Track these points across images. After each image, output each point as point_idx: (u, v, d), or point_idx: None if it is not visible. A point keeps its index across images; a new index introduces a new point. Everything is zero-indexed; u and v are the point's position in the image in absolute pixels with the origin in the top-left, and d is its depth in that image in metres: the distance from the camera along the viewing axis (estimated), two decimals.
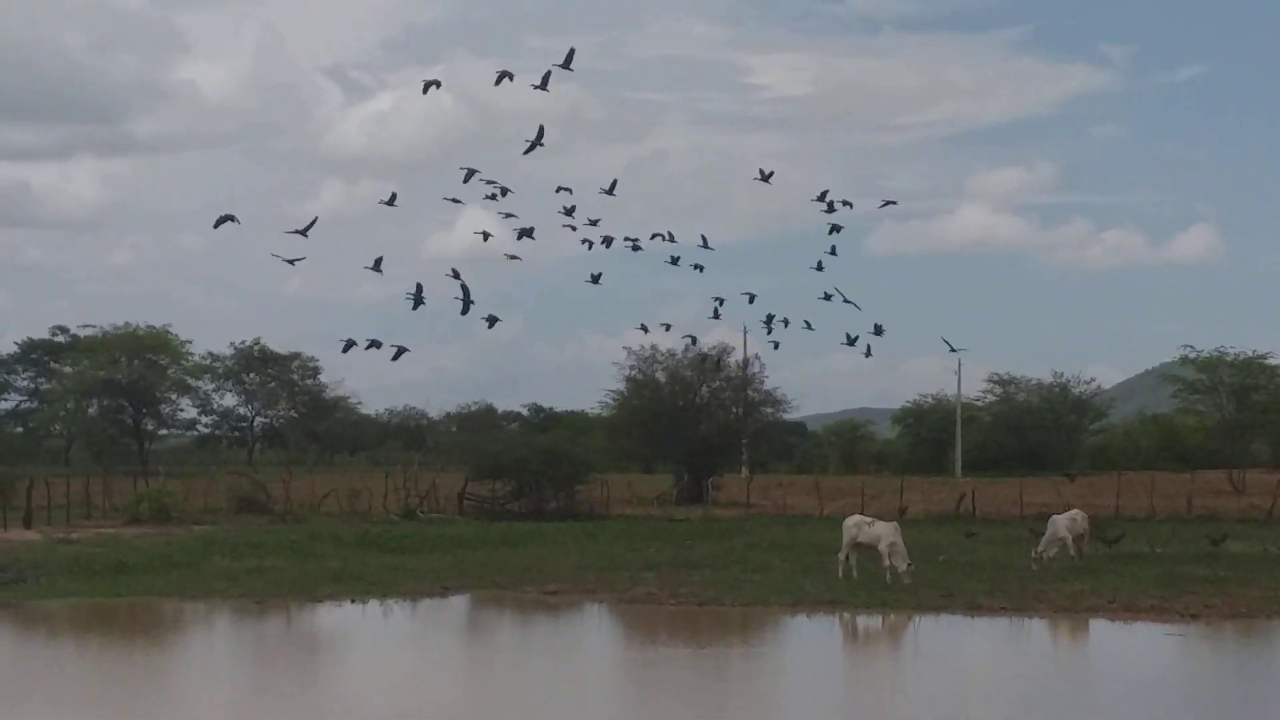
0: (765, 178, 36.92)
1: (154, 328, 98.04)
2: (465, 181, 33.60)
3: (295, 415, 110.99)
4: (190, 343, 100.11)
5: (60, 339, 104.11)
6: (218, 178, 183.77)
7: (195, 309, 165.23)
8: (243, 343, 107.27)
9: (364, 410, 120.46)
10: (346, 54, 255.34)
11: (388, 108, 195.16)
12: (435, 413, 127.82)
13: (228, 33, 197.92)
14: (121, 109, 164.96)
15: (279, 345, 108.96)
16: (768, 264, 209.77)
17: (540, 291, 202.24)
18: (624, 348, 75.23)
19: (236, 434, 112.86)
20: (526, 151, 32.38)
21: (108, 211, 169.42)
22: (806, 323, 38.24)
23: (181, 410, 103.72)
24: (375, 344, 32.83)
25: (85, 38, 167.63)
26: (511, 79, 31.55)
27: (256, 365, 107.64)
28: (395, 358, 32.86)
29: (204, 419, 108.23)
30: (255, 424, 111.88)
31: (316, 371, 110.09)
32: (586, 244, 35.74)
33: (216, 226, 31.05)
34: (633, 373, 73.63)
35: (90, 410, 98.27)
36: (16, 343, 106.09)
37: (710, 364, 71.47)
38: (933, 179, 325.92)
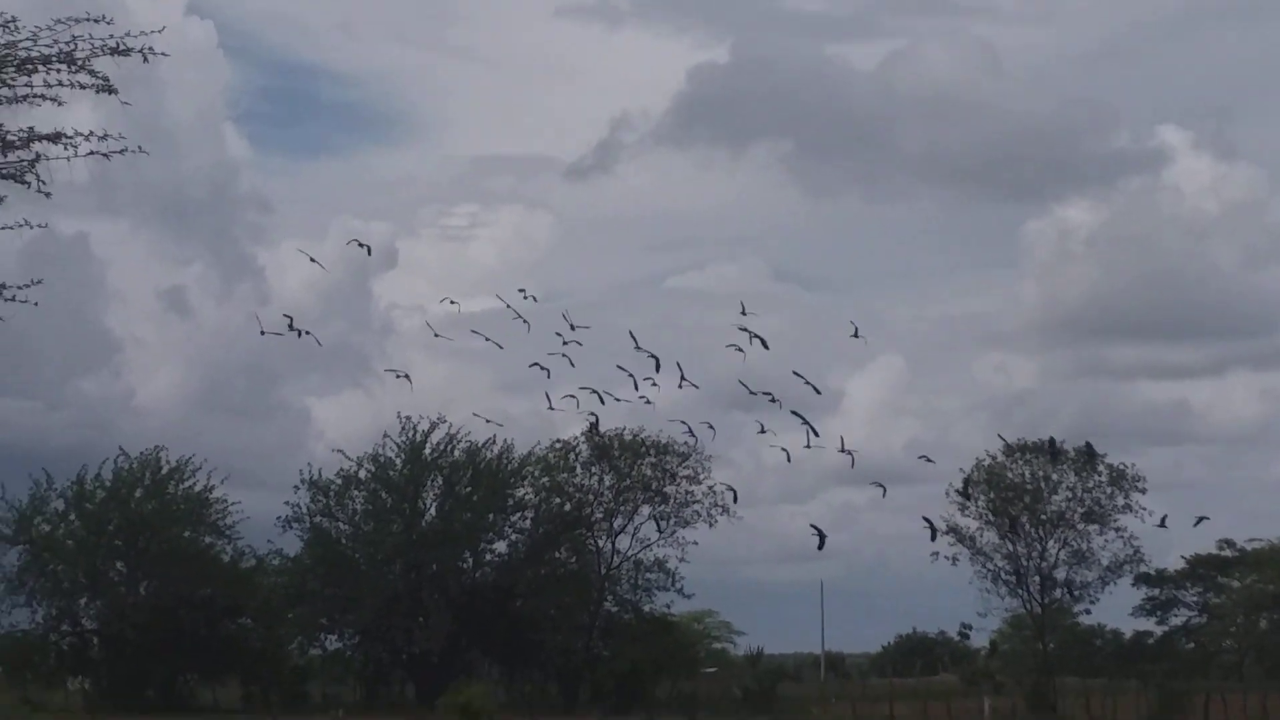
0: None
1: None
2: None
3: None
4: None
5: (1227, 553, 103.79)
6: None
7: None
8: None
9: None
10: None
11: None
12: None
13: None
14: (1275, 322, 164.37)
15: None
16: None
17: None
18: None
19: None
20: None
21: (1267, 425, 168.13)
22: None
23: None
24: None
25: (1235, 253, 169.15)
26: None
27: None
28: None
29: None
30: None
31: None
32: None
33: None
34: None
35: (1261, 625, 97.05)
36: (1184, 558, 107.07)
37: None
38: None
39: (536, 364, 47.02)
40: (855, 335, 47.65)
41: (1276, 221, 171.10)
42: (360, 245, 53.13)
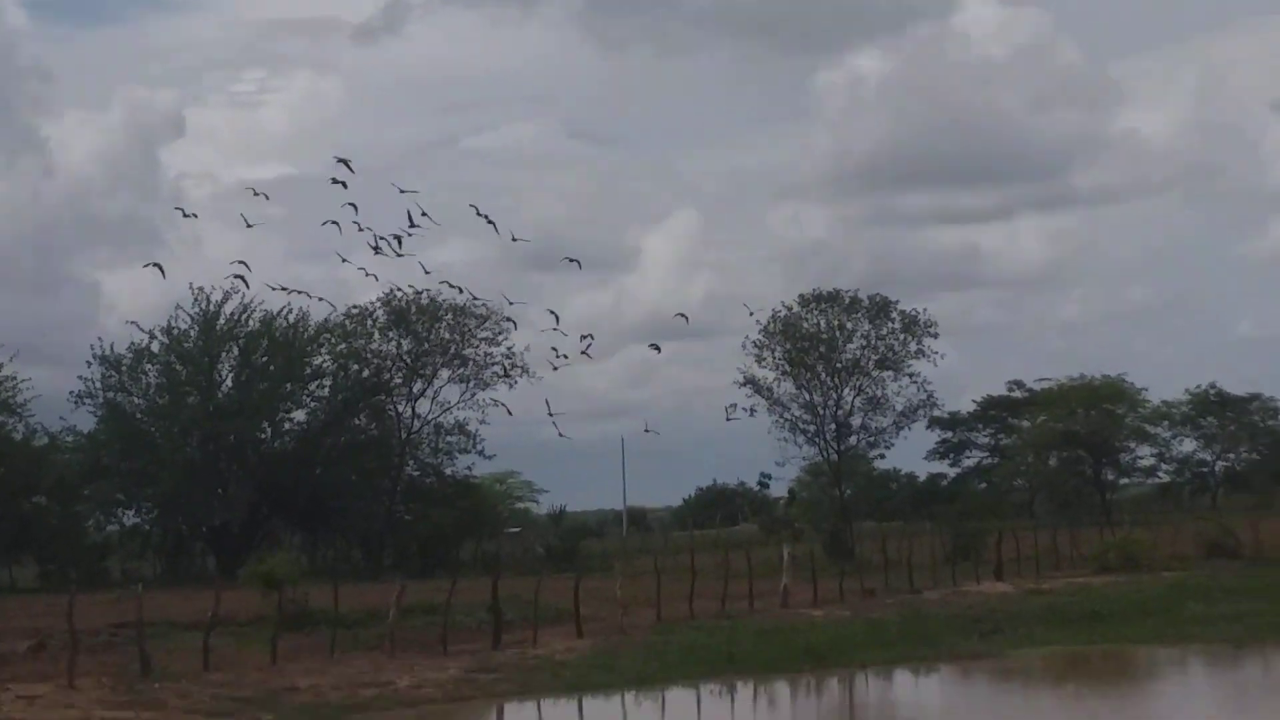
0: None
1: (1109, 377, 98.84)
2: None
3: (1257, 457, 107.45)
4: (1145, 390, 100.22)
5: (1017, 394, 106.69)
6: (1159, 224, 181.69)
7: (1147, 357, 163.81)
8: (1198, 387, 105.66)
9: None
10: None
11: None
12: None
13: (1165, 78, 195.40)
14: (1062, 164, 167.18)
15: (1235, 387, 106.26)
16: None
17: None
18: None
19: (1197, 480, 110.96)
20: None
21: (1054, 267, 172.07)
22: None
23: (1141, 459, 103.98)
24: None
25: (1023, 98, 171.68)
26: None
27: (1214, 409, 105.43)
28: None
29: (1164, 466, 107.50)
30: (1216, 468, 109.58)
31: (1277, 412, 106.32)
32: None
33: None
34: None
35: (1050, 463, 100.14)
36: (975, 401, 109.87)
37: None
38: None
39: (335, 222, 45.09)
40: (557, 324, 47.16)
41: (1063, 65, 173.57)
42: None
